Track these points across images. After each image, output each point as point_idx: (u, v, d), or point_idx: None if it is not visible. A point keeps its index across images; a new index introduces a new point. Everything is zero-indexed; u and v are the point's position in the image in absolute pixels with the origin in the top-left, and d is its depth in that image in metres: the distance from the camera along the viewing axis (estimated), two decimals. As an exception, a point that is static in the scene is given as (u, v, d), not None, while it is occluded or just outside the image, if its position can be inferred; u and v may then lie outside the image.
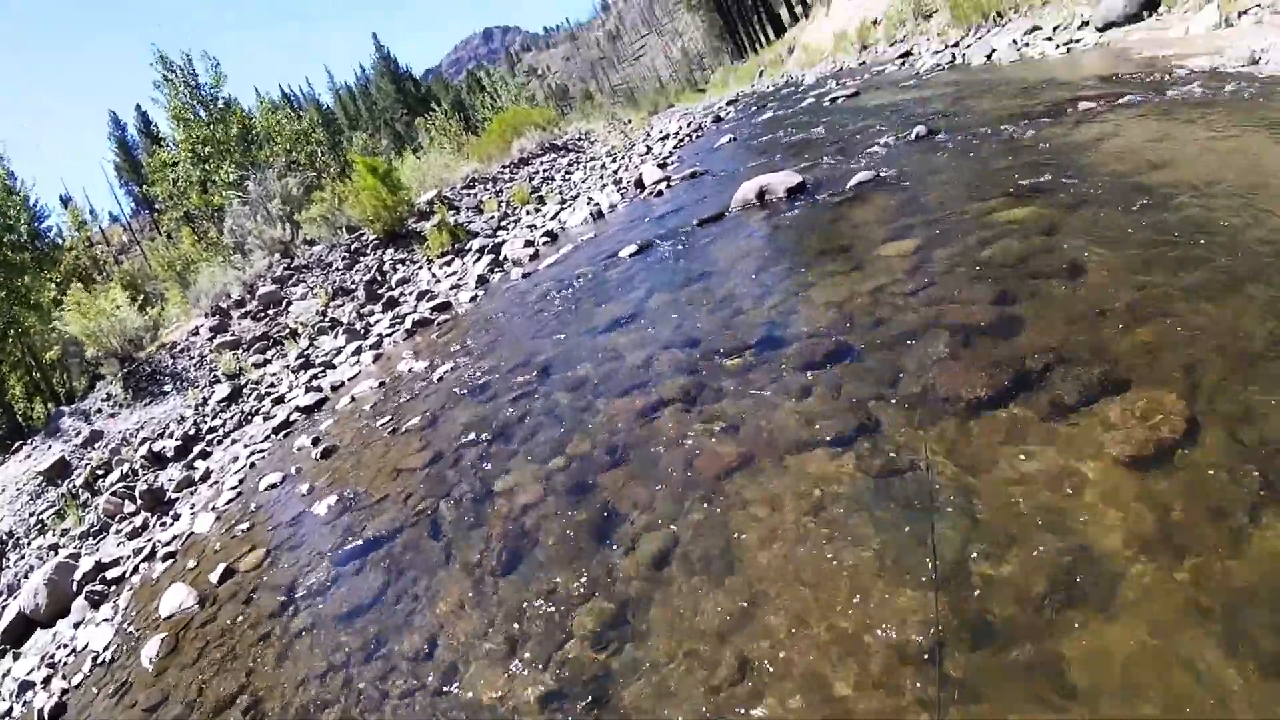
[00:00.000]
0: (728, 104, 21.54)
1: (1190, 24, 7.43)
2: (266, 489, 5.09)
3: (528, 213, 11.93)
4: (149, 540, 5.48)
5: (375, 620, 2.82)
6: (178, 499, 6.20)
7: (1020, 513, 1.85)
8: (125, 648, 3.93)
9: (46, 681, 4.13)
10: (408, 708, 2.27)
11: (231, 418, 7.68)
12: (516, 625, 2.36)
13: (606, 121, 22.24)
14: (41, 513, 7.07)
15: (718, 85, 41.12)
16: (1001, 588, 1.67)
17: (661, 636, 2.03)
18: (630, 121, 22.46)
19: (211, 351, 9.69)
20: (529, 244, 9.06)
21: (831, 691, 1.64)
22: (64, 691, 3.87)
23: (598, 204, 9.82)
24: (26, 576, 5.79)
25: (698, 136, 14.57)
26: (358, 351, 8.03)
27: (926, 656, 1.60)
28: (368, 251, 11.83)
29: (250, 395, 8.17)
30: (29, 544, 6.64)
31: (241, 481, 5.67)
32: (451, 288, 9.04)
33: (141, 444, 7.72)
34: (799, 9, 44.16)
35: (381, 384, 6.22)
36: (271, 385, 8.25)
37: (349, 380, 7.14)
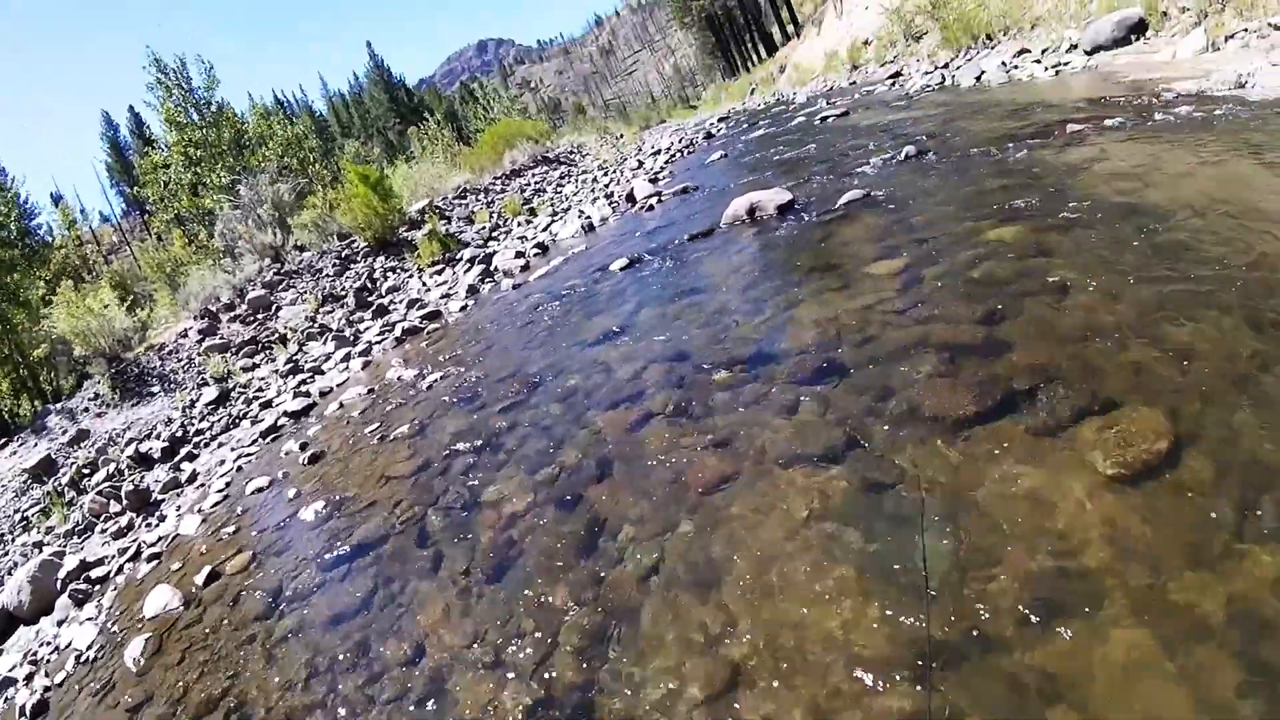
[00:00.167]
0: (719, 121, 21.72)
1: (1177, 48, 7.56)
2: (253, 493, 5.06)
3: (519, 224, 11.95)
4: (134, 540, 5.44)
5: (361, 626, 2.81)
6: (164, 500, 6.15)
7: (1008, 529, 1.87)
8: (109, 647, 3.89)
9: (29, 679, 4.08)
10: (392, 714, 2.26)
11: (219, 421, 7.62)
12: (503, 634, 2.36)
13: (599, 135, 22.38)
14: (26, 510, 7.00)
15: (710, 102, 41.51)
16: (990, 603, 1.70)
17: (648, 649, 2.04)
18: (622, 136, 22.60)
19: (200, 354, 9.64)
20: (520, 255, 9.07)
21: (820, 705, 1.65)
22: (46, 689, 3.83)
23: (589, 217, 9.86)
24: (10, 573, 5.71)
25: (689, 152, 14.67)
26: (347, 358, 8.00)
27: (916, 671, 1.62)
28: (358, 259, 11.82)
29: (238, 399, 8.11)
30: (13, 541, 6.58)
31: (228, 485, 5.63)
32: (442, 297, 9.03)
33: (128, 444, 7.66)
34: (791, 28, 44.83)
35: (370, 391, 6.20)
36: (260, 390, 8.20)
37: (338, 386, 7.11)
